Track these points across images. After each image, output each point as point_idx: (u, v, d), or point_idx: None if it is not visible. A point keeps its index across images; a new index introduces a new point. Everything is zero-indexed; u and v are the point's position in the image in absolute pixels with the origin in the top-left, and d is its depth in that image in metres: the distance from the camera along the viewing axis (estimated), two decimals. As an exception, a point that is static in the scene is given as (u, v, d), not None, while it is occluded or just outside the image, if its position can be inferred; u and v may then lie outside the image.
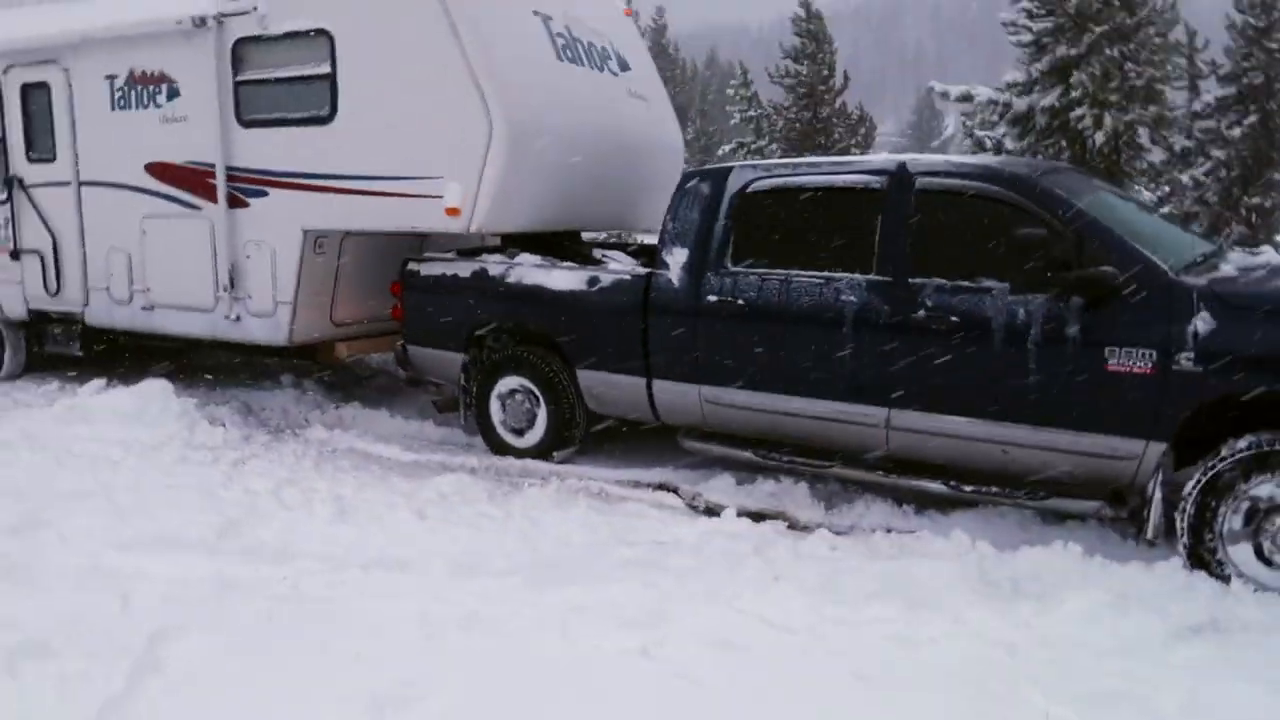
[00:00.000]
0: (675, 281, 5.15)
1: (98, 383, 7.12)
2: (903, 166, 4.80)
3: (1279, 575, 3.73)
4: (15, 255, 7.97)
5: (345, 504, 5.09)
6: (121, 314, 7.51)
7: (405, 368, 6.77)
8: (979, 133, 14.92)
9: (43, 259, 7.80)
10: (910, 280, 4.56)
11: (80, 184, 7.53)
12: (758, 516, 4.77)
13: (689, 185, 5.34)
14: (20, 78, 7.70)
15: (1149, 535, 4.07)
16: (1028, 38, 13.49)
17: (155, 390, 6.81)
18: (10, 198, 7.88)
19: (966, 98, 14.40)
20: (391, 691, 3.00)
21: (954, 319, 4.43)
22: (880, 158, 5.63)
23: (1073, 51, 12.82)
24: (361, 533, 4.67)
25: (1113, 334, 4.12)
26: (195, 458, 6.05)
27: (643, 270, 5.46)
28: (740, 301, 4.92)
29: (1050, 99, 13.07)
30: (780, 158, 21.62)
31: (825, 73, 22.83)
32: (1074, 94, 12.70)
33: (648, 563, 4.08)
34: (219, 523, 4.76)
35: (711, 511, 4.95)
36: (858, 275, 4.69)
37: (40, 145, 7.73)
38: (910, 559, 4.05)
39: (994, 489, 4.55)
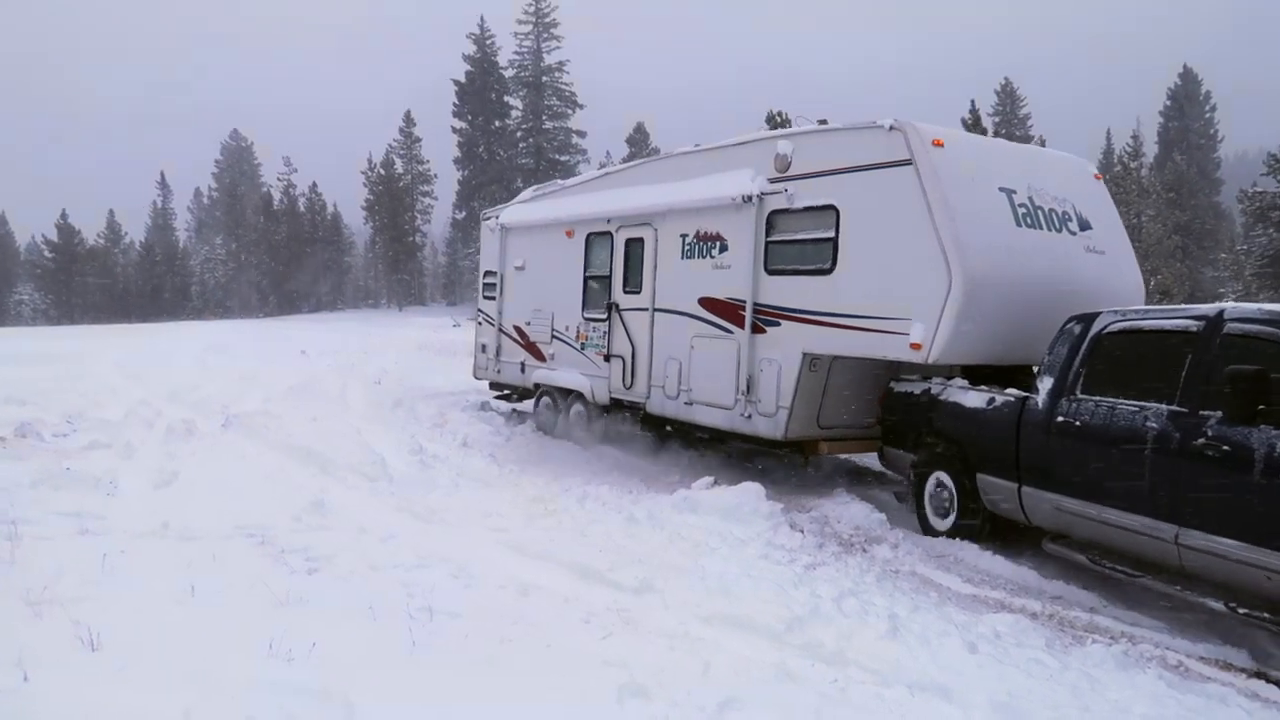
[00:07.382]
0: (1040, 404, 7.05)
1: (706, 479, 9.18)
2: (1221, 313, 6.05)
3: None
4: (607, 358, 12.14)
5: (899, 623, 5.63)
6: (670, 405, 11.08)
7: (884, 464, 9.39)
8: None
9: (624, 362, 11.81)
10: (1201, 411, 5.80)
11: (655, 310, 11.35)
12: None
13: (1066, 326, 7.15)
14: (625, 234, 11.94)
15: None
16: None
17: (750, 492, 8.50)
18: (609, 317, 12.12)
19: None
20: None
21: (1226, 448, 5.54)
22: (1207, 305, 6.43)
23: None
24: (910, 653, 5.12)
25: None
26: (774, 556, 7.14)
27: (1023, 394, 7.36)
28: (1077, 423, 6.62)
29: None
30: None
31: None
32: None
33: None
34: (787, 617, 5.54)
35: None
36: (1162, 405, 6.05)
37: (632, 281, 11.82)
38: None
39: (1265, 614, 5.39)
